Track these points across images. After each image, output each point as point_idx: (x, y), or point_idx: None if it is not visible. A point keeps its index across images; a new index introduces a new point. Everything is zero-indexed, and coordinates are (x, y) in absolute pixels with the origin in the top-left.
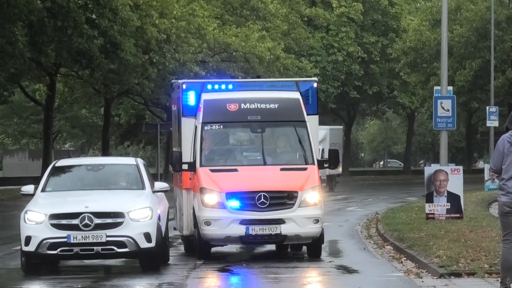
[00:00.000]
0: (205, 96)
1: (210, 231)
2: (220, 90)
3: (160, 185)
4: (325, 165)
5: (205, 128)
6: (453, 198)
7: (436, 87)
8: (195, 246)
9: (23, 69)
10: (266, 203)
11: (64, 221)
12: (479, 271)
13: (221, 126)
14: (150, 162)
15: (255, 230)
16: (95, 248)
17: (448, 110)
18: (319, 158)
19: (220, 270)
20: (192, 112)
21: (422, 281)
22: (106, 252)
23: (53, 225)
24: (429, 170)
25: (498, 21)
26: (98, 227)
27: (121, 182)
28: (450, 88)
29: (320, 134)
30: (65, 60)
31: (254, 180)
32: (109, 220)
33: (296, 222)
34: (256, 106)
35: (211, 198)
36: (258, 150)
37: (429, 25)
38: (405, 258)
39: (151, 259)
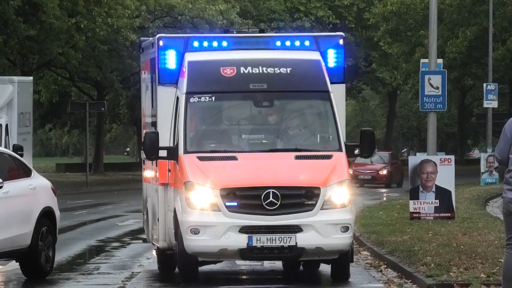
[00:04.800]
0: (190, 57)
1: (198, 242)
2: (210, 48)
3: None
4: (356, 152)
5: (191, 100)
6: (442, 194)
7: (423, 60)
8: (177, 263)
9: None
10: (277, 204)
11: None
12: (474, 282)
13: (213, 98)
14: (77, 149)
15: (261, 240)
16: None
17: (437, 88)
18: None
19: None
20: (172, 78)
21: None
22: None
23: None
24: (413, 160)
25: None
26: None
27: None
28: (440, 61)
29: (3, 93)
30: None
31: (259, 172)
32: None
33: (317, 230)
34: (261, 71)
35: (200, 196)
36: (264, 131)
37: None
38: (385, 266)
39: None
